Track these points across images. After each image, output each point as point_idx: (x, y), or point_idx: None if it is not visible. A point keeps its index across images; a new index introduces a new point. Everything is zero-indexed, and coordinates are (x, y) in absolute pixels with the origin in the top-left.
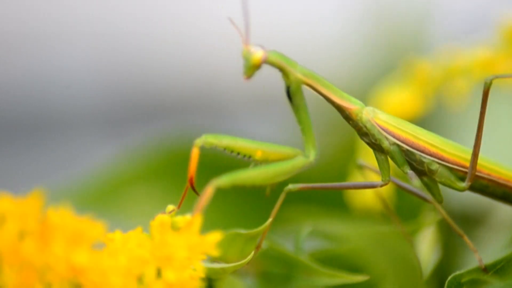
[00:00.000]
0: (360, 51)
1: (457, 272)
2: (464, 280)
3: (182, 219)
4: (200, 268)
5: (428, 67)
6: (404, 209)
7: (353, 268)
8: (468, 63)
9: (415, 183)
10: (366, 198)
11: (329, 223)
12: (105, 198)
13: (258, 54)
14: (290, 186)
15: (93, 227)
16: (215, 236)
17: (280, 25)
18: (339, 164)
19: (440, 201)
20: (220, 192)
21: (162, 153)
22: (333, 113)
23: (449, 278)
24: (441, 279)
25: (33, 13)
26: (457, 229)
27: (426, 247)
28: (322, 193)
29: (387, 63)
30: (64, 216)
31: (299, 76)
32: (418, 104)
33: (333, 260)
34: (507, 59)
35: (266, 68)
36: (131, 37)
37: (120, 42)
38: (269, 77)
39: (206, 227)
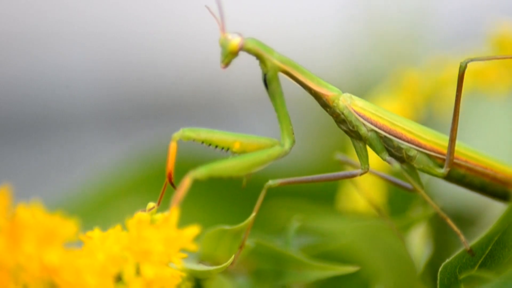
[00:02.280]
0: (354, 51)
1: (447, 260)
2: (461, 277)
3: (161, 216)
4: (179, 264)
5: (417, 77)
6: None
7: (347, 263)
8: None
9: (395, 167)
10: (358, 204)
11: (319, 219)
12: (98, 210)
13: (235, 41)
14: (270, 182)
15: (65, 225)
16: (193, 230)
17: (276, 24)
18: (327, 160)
19: (420, 188)
20: (201, 190)
21: (157, 162)
22: (320, 110)
23: (440, 268)
24: (435, 275)
25: (36, 13)
26: (441, 213)
27: (418, 242)
28: (309, 188)
29: (381, 63)
30: (34, 214)
31: (276, 63)
32: (408, 113)
33: (326, 256)
34: (497, 67)
35: None
36: (132, 37)
37: (121, 42)
38: None
39: (189, 223)
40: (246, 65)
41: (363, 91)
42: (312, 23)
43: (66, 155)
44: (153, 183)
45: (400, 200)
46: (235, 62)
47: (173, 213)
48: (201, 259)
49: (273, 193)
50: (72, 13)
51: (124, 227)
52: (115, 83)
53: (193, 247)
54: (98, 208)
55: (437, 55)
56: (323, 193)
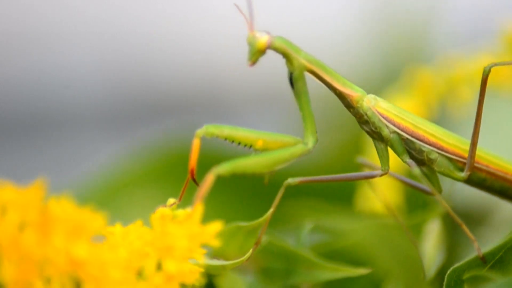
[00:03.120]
0: (365, 50)
1: (457, 264)
2: (465, 276)
3: (182, 212)
4: (200, 260)
5: (430, 76)
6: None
7: (357, 263)
8: (470, 71)
9: (415, 171)
10: (375, 205)
11: (332, 218)
12: (107, 201)
13: (263, 39)
14: (290, 180)
15: (93, 219)
16: (216, 226)
17: (286, 23)
18: (345, 160)
19: (439, 192)
20: (220, 186)
21: (165, 154)
22: (340, 109)
23: (449, 271)
24: (443, 276)
25: (36, 13)
26: (456, 219)
27: (431, 246)
28: (325, 188)
29: (392, 62)
30: (65, 208)
31: (303, 62)
32: (422, 112)
33: (336, 255)
34: (510, 66)
35: (270, 67)
36: (134, 36)
37: (124, 41)
38: (274, 76)
39: (205, 221)
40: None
41: (375, 90)
42: (321, 23)
43: (67, 155)
44: (163, 174)
45: (416, 201)
46: (238, 62)
47: (197, 209)
48: (212, 255)
49: (289, 192)
50: (72, 13)
51: (141, 220)
52: (116, 83)
53: (215, 243)
54: (106, 200)
55: (449, 53)
56: (340, 193)
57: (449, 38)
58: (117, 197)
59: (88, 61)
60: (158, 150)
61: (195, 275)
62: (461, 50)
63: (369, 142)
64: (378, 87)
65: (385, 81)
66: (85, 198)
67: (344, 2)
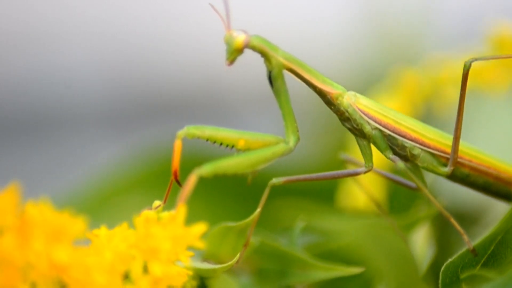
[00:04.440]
0: (357, 49)
1: (449, 260)
2: (463, 276)
3: (167, 214)
4: (186, 262)
5: (416, 77)
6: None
7: (349, 263)
8: (457, 72)
9: (399, 166)
10: (358, 202)
11: (323, 218)
12: (99, 207)
13: (240, 38)
14: (275, 180)
15: (73, 223)
16: (200, 228)
17: (278, 23)
18: (332, 158)
19: (424, 187)
20: (205, 189)
21: (157, 161)
22: (326, 108)
23: (443, 268)
24: (437, 275)
25: (36, 13)
26: (444, 212)
27: (421, 242)
28: (308, 186)
29: (383, 62)
30: (43, 212)
31: (281, 60)
32: (407, 112)
33: (329, 255)
34: (496, 67)
35: None
36: (134, 36)
37: (124, 41)
38: None
39: (191, 222)
40: (247, 64)
41: (364, 89)
42: (314, 22)
43: (67, 154)
44: (155, 180)
45: (403, 198)
46: (238, 62)
47: (180, 211)
48: (205, 258)
49: (276, 192)
50: (72, 13)
51: (129, 225)
52: (116, 83)
53: (200, 244)
54: (100, 206)
55: (437, 54)
56: (326, 192)
57: (438, 40)
58: (110, 203)
59: (88, 61)
60: (152, 155)
61: (183, 278)
62: (449, 51)
63: (354, 140)
64: (367, 87)
65: (373, 81)
66: (80, 203)
67: (335, 3)
